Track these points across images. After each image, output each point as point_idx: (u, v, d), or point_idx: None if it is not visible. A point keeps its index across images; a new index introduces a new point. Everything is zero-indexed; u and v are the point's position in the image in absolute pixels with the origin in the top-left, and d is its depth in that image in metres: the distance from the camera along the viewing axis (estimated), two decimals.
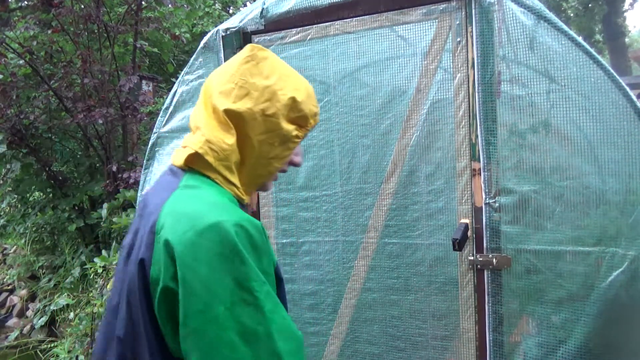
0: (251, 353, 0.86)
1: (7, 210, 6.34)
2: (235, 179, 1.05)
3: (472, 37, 1.86)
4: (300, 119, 1.08)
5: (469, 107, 1.91)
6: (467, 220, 1.88)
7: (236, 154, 1.04)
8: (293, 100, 1.06)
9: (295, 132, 1.07)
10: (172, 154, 1.09)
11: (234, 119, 1.02)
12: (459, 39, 1.93)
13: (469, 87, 1.91)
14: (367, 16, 2.09)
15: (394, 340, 2.17)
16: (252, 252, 0.91)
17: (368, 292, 2.15)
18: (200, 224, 0.89)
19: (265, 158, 1.06)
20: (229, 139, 1.02)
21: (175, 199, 0.96)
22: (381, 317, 2.19)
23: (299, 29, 2.22)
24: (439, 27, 1.99)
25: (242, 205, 1.07)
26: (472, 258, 1.91)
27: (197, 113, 1.08)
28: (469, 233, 1.88)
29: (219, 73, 1.09)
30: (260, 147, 1.04)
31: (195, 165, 1.02)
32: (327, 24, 2.16)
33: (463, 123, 1.94)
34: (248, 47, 1.09)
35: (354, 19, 2.11)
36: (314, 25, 2.18)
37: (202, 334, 0.85)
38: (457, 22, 1.93)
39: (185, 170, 1.03)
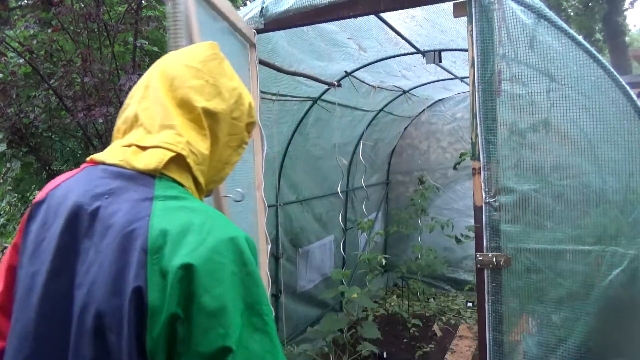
0: None
1: (7, 209, 6.34)
2: (203, 187, 0.97)
3: (472, 35, 1.86)
4: (251, 125, 1.06)
5: (469, 105, 1.91)
6: None
7: (208, 159, 0.96)
8: (250, 105, 1.05)
9: (247, 138, 1.05)
10: (112, 152, 0.92)
11: (208, 119, 0.95)
12: None
13: (468, 85, 1.90)
14: (367, 15, 2.09)
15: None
16: (258, 273, 0.84)
17: None
18: (212, 240, 0.80)
19: (222, 162, 1.01)
20: (206, 142, 0.95)
21: (164, 213, 0.82)
22: None
23: (298, 28, 2.21)
24: None
25: None
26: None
27: (156, 106, 0.94)
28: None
29: (177, 65, 0.98)
30: (223, 150, 1.00)
31: (171, 170, 0.90)
32: (326, 23, 2.16)
33: None
34: (209, 44, 1.03)
35: (354, 17, 2.11)
36: (314, 24, 2.18)
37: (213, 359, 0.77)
38: None
39: (153, 176, 0.88)
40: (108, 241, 0.81)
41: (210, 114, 0.95)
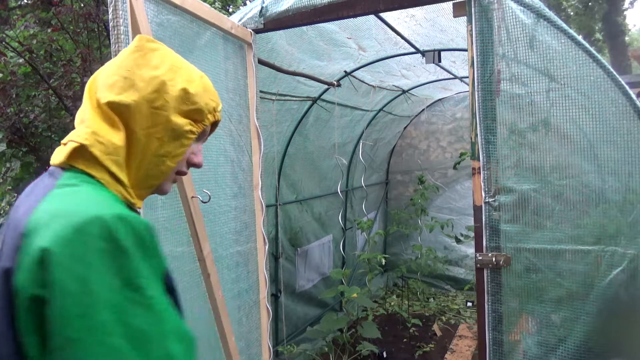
0: (141, 357, 0.77)
1: (7, 209, 6.34)
2: (123, 176, 0.95)
3: (471, 35, 1.86)
4: (195, 113, 1.02)
5: (469, 105, 1.91)
6: None
7: (124, 150, 0.95)
8: (185, 91, 1.00)
9: (188, 127, 1.01)
10: (53, 155, 0.97)
11: (119, 112, 0.95)
12: None
13: (468, 85, 1.90)
14: (367, 15, 2.09)
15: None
16: (139, 249, 0.82)
17: None
18: (77, 219, 0.78)
19: (155, 155, 0.99)
20: (117, 134, 0.94)
21: (51, 199, 0.85)
22: None
23: (298, 27, 2.21)
24: None
25: (132, 209, 0.97)
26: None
27: (82, 109, 0.99)
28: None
29: (106, 66, 1.02)
30: (148, 143, 0.97)
31: (78, 161, 0.92)
32: (326, 22, 2.16)
33: None
34: (137, 37, 1.03)
35: (353, 17, 2.11)
36: (313, 24, 2.18)
37: (81, 343, 0.74)
38: None
39: (65, 168, 0.92)
40: (12, 227, 0.85)
41: (117, 107, 0.95)
